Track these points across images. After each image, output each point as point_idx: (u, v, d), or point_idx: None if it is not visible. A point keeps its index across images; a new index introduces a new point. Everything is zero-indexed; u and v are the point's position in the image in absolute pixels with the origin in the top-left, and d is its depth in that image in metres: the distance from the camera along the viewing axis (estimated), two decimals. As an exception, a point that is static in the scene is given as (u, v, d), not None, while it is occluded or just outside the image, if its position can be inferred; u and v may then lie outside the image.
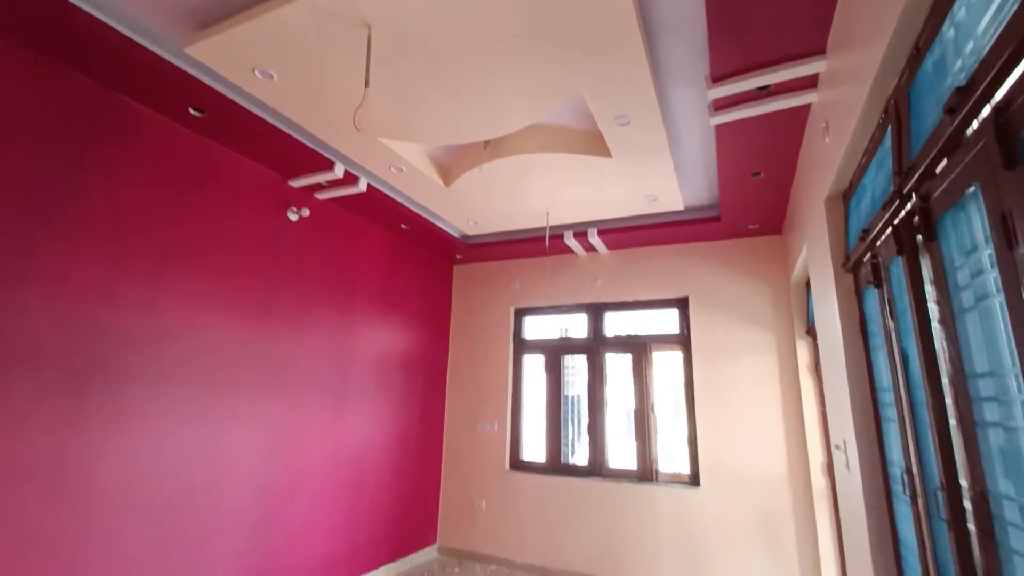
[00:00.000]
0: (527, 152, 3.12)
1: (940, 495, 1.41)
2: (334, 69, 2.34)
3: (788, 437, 3.66)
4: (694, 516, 3.81)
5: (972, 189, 1.15)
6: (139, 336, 2.46)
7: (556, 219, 4.20)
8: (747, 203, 3.47)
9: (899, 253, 1.57)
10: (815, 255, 2.67)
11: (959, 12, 1.14)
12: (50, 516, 2.08)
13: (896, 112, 1.53)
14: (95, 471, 2.24)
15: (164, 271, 2.59)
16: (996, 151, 0.98)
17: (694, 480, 3.94)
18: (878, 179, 1.79)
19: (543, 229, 4.39)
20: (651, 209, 3.96)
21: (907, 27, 1.32)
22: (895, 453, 1.87)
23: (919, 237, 1.45)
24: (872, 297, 1.99)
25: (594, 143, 3.08)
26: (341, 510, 3.59)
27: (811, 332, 3.56)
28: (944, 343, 1.35)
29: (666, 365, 4.33)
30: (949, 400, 1.35)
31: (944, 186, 1.27)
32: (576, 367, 4.77)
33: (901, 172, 1.48)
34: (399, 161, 3.24)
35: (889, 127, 1.61)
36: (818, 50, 2.05)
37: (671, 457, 4.18)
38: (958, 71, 1.16)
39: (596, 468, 4.34)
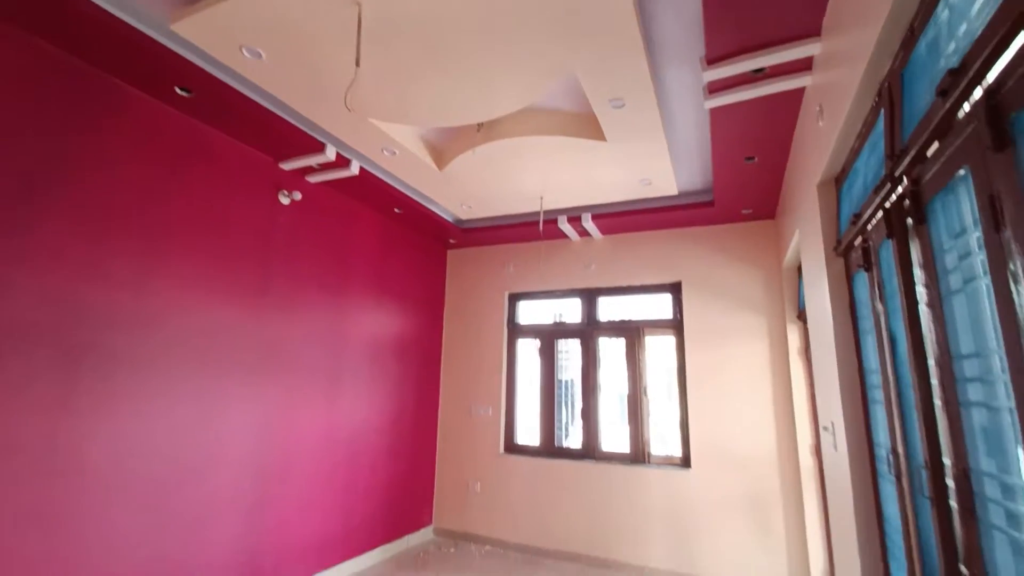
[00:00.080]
0: (521, 135, 3.09)
1: (924, 473, 1.44)
2: (324, 48, 2.30)
3: (777, 419, 3.72)
4: (685, 497, 3.88)
5: (962, 172, 1.16)
6: (130, 316, 2.44)
7: (550, 203, 4.19)
8: (741, 188, 3.47)
9: (889, 236, 1.58)
10: (807, 239, 2.69)
11: (954, -8, 1.14)
12: (43, 494, 2.08)
13: (889, 95, 1.52)
14: (86, 451, 2.24)
15: (155, 252, 2.57)
16: (987, 133, 0.99)
17: (685, 462, 4.01)
18: (870, 163, 1.79)
19: (537, 214, 4.38)
20: (645, 193, 3.95)
21: (902, 9, 1.32)
22: (881, 434, 1.91)
23: (909, 220, 1.46)
24: (862, 281, 2.01)
25: (588, 126, 3.05)
26: (336, 492, 3.63)
27: (802, 316, 3.60)
28: (931, 325, 1.37)
29: (659, 349, 4.37)
30: (935, 381, 1.38)
31: (935, 169, 1.28)
32: (570, 351, 4.80)
33: (893, 155, 1.49)
34: (392, 144, 3.20)
35: (882, 110, 1.61)
36: (813, 32, 2.04)
37: (663, 440, 4.24)
38: (951, 53, 1.16)
39: (589, 451, 4.39)
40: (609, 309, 4.65)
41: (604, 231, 4.48)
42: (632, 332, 4.44)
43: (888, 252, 1.66)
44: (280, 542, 3.15)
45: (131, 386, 2.43)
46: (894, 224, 1.54)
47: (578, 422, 4.55)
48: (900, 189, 1.49)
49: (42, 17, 2.04)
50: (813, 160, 2.37)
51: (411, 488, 4.47)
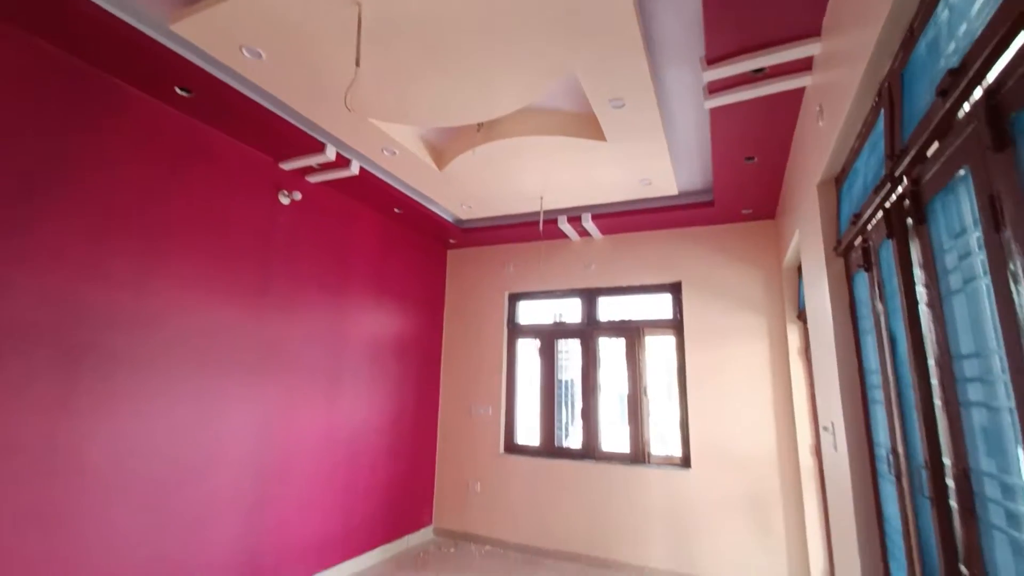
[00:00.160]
0: (521, 135, 3.09)
1: (924, 473, 1.44)
2: (324, 48, 2.30)
3: (777, 419, 3.72)
4: (685, 497, 3.88)
5: (962, 172, 1.16)
6: (130, 316, 2.44)
7: (550, 203, 4.19)
8: (741, 188, 3.47)
9: (889, 236, 1.58)
10: (807, 239, 2.69)
11: (954, -8, 1.14)
12: (42, 494, 2.08)
13: (889, 95, 1.52)
14: (86, 451, 2.24)
15: (155, 252, 2.57)
16: (987, 133, 0.99)
17: (685, 462, 4.00)
18: (870, 163, 1.79)
19: (537, 214, 4.38)
20: (645, 193, 3.95)
21: (902, 8, 1.32)
22: (881, 434, 1.91)
23: (909, 220, 1.46)
24: (862, 281, 2.01)
25: (588, 126, 3.05)
26: (336, 492, 3.62)
27: (802, 316, 3.60)
28: (931, 325, 1.37)
29: (659, 349, 4.37)
30: (935, 381, 1.38)
31: (935, 169, 1.28)
32: (570, 351, 4.80)
33: (893, 155, 1.49)
34: (391, 144, 3.20)
35: (882, 110, 1.61)
36: (813, 32, 2.04)
37: (663, 440, 4.24)
38: (951, 53, 1.16)
39: (589, 451, 4.39)
40: (609, 309, 4.65)
41: (604, 231, 4.48)
42: (632, 332, 4.44)
43: (888, 252, 1.66)
44: (280, 542, 3.15)
45: (131, 386, 2.43)
46: (894, 224, 1.54)
47: (578, 422, 4.55)
48: (900, 189, 1.49)
49: (42, 17, 2.04)
50: (813, 160, 2.37)
51: (411, 488, 4.47)
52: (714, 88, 2.39)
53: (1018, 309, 0.94)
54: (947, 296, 1.30)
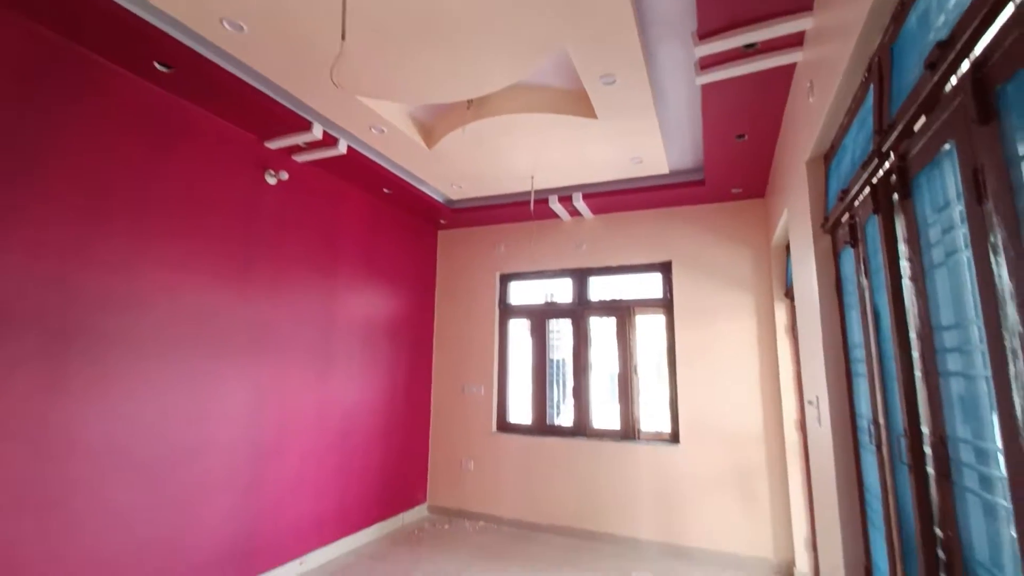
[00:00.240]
0: (511, 112, 3.06)
1: (903, 441, 1.49)
2: (308, 21, 2.24)
3: (764, 395, 3.80)
4: (673, 471, 3.98)
5: (947, 147, 1.17)
6: (118, 298, 2.41)
7: (541, 183, 4.17)
8: (731, 166, 3.48)
9: (875, 212, 1.60)
10: (795, 217, 2.71)
11: (945, -37, 1.13)
12: (36, 477, 2.09)
13: (879, 70, 1.53)
14: (78, 432, 2.24)
15: (141, 234, 2.53)
16: (972, 106, 1.00)
17: (674, 437, 4.09)
18: (858, 139, 1.80)
19: (528, 193, 4.35)
20: (636, 172, 3.94)
21: (894, -20, 1.31)
22: (863, 406, 1.96)
23: (895, 196, 1.48)
24: (848, 257, 2.04)
25: (579, 103, 3.02)
26: (330, 472, 3.66)
27: (789, 294, 3.65)
28: (914, 298, 1.40)
29: (649, 328, 4.42)
30: (916, 353, 1.42)
31: (921, 144, 1.29)
32: (561, 331, 4.84)
33: (881, 130, 1.50)
34: (380, 122, 3.15)
35: (872, 86, 1.62)
36: (805, 6, 2.02)
37: (653, 416, 4.32)
38: (941, 26, 1.16)
39: (580, 428, 4.47)
40: (600, 289, 4.67)
41: (595, 210, 4.47)
42: (623, 311, 4.48)
43: (874, 228, 1.68)
44: (275, 520, 3.19)
45: (122, 368, 2.42)
46: (880, 200, 1.56)
47: (569, 400, 4.61)
48: (887, 165, 1.50)
49: (11, -13, 1.96)
50: (803, 137, 2.37)
51: (405, 466, 4.53)
52: (706, 64, 2.38)
53: (997, 280, 0.96)
54: (929, 270, 1.33)
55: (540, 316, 4.84)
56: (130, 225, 2.49)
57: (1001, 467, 1.02)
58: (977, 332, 1.11)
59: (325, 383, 3.67)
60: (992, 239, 0.97)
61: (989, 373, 1.02)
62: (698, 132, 3.30)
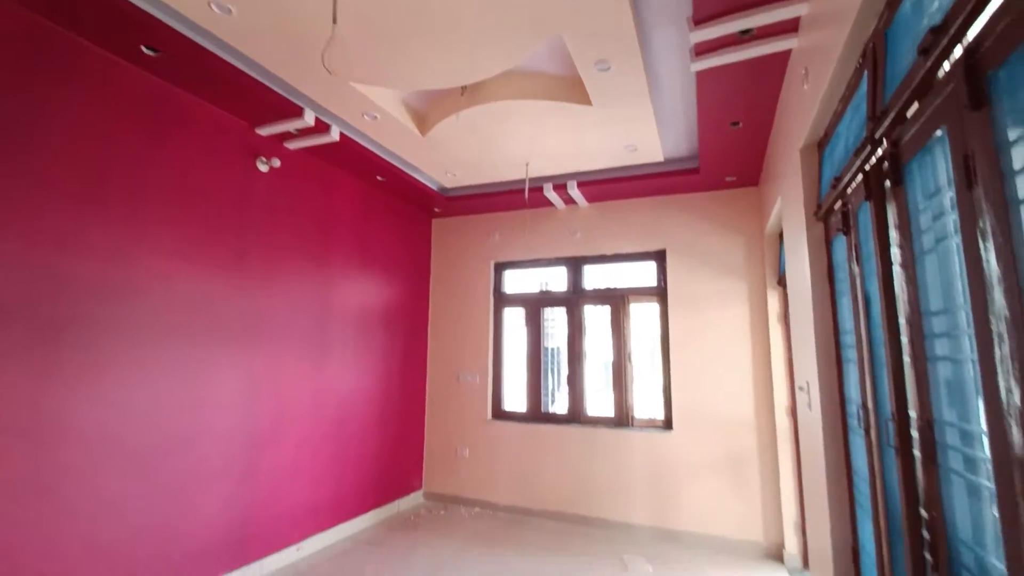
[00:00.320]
0: (506, 99, 3.03)
1: (891, 425, 1.52)
2: (298, 3, 2.20)
3: (756, 383, 3.85)
4: (666, 457, 4.03)
5: (939, 133, 1.17)
6: (110, 287, 2.39)
7: (535, 171, 4.15)
8: (726, 154, 3.48)
9: (867, 199, 1.61)
10: (789, 205, 2.72)
11: (941, -53, 1.13)
12: (29, 465, 2.08)
13: (873, 56, 1.52)
14: (71, 421, 2.23)
15: (131, 221, 2.50)
16: (964, 92, 1.00)
17: (667, 424, 4.14)
18: (852, 126, 1.80)
19: (522, 181, 4.34)
20: (631, 160, 3.93)
21: (889, -36, 1.30)
22: (853, 391, 1.99)
23: (887, 183, 1.49)
24: (840, 244, 2.05)
25: (574, 90, 3.00)
26: (326, 459, 3.68)
27: (782, 282, 3.68)
28: (904, 284, 1.42)
29: (643, 316, 4.44)
30: (905, 339, 1.44)
31: (913, 130, 1.29)
32: (556, 320, 4.86)
33: (874, 116, 1.50)
34: (373, 108, 3.11)
35: (866, 72, 1.61)
36: (801, -9, 2.01)
37: (646, 404, 4.36)
38: (935, 11, 1.16)
39: (575, 416, 4.51)
40: (594, 277, 4.68)
41: (590, 199, 4.46)
42: (617, 300, 4.49)
43: (866, 215, 1.69)
44: (271, 507, 3.21)
45: (115, 356, 2.40)
46: (872, 186, 1.57)
47: (564, 388, 4.65)
48: (880, 151, 1.51)
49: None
50: (797, 124, 2.37)
51: (401, 454, 4.56)
52: (701, 50, 2.36)
53: (985, 265, 0.97)
54: (920, 256, 1.34)
55: (535, 304, 4.84)
56: (125, 213, 2.46)
57: (985, 449, 1.04)
58: (965, 317, 1.12)
59: (320, 371, 3.67)
60: (981, 224, 0.98)
61: (975, 357, 1.04)
62: (693, 120, 3.29)
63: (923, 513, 1.37)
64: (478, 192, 4.58)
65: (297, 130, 3.20)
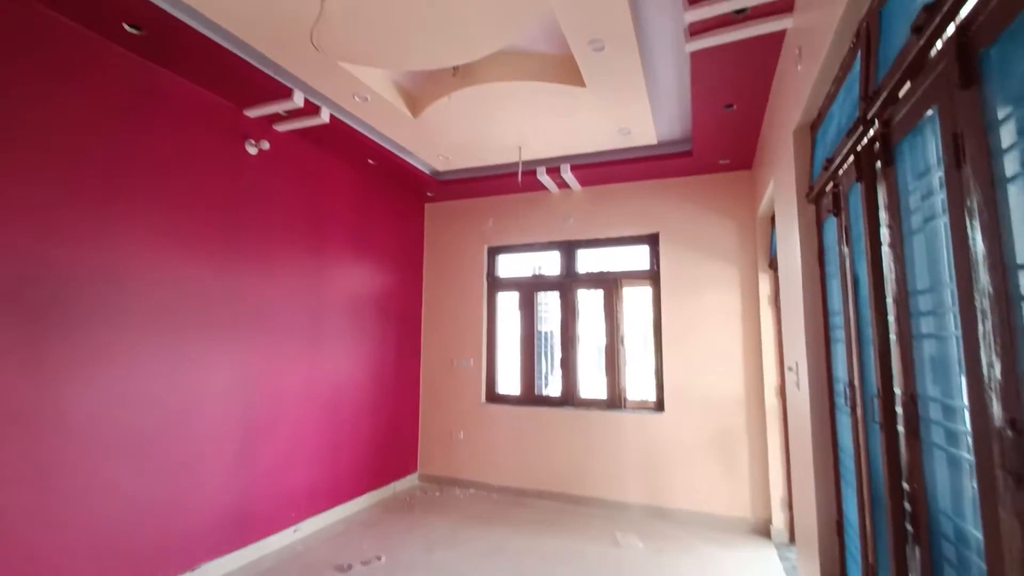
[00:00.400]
0: (499, 80, 2.99)
1: (876, 402, 1.55)
2: (286, -19, 2.14)
3: (746, 364, 3.90)
4: (658, 437, 4.10)
5: (930, 112, 1.18)
6: (94, 272, 2.36)
7: (529, 154, 4.12)
8: (719, 136, 3.47)
9: (858, 180, 1.62)
10: (781, 188, 2.73)
11: (936, -77, 1.12)
12: (18, 452, 2.07)
13: (867, 35, 1.52)
14: (61, 405, 2.22)
15: (115, 205, 2.46)
16: (955, 70, 1.01)
17: (659, 406, 4.20)
18: (845, 107, 1.81)
19: (515, 165, 4.31)
20: (624, 143, 3.91)
21: (885, -59, 1.29)
22: (840, 370, 2.03)
23: (878, 163, 1.50)
24: (831, 226, 2.07)
25: (568, 71, 2.97)
26: (321, 443, 3.71)
27: (773, 265, 3.71)
28: (892, 264, 1.44)
29: (636, 300, 4.47)
30: (891, 317, 1.46)
31: (905, 110, 1.30)
32: (549, 304, 4.88)
33: (866, 96, 1.50)
34: (363, 89, 3.06)
35: (859, 52, 1.61)
36: (797, -31, 1.99)
37: (639, 386, 4.41)
38: (929, -11, 1.16)
39: (568, 398, 4.56)
40: (588, 261, 4.70)
41: (583, 182, 4.45)
42: (610, 283, 4.51)
43: (856, 196, 1.70)
44: (269, 491, 3.23)
45: (103, 341, 2.38)
46: (863, 167, 1.58)
47: (557, 371, 4.69)
48: (871, 132, 1.51)
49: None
50: (790, 106, 2.37)
51: (396, 437, 4.59)
52: (695, 30, 2.34)
53: (971, 243, 0.99)
54: (908, 236, 1.36)
55: (528, 289, 4.86)
56: (107, 197, 2.42)
57: (966, 422, 1.07)
58: (950, 295, 1.14)
59: (314, 356, 3.67)
60: (968, 203, 0.99)
61: (959, 334, 1.06)
62: (686, 102, 3.28)
63: (905, 486, 1.41)
64: (471, 176, 4.55)
65: (286, 112, 3.15)
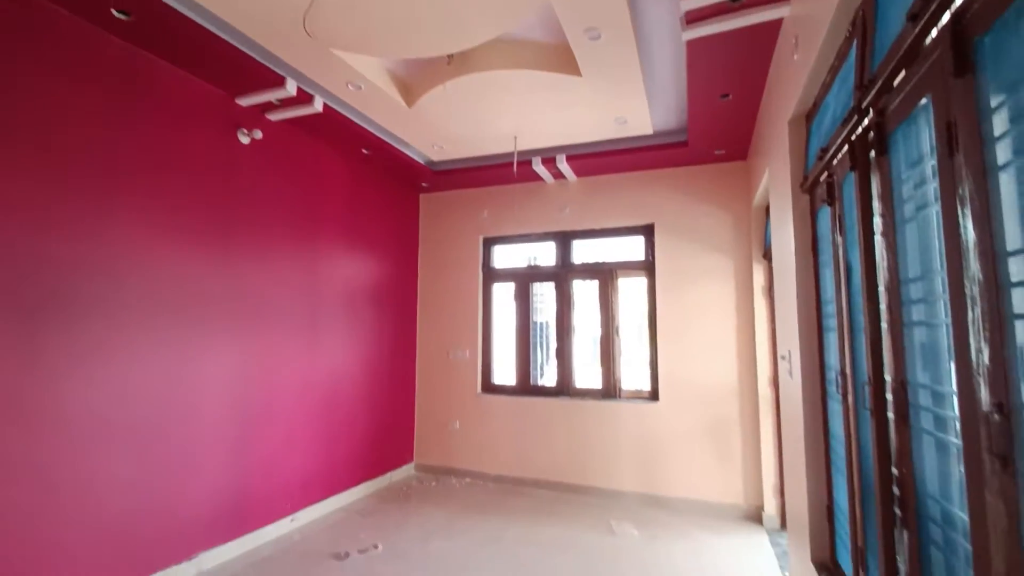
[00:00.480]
0: (494, 68, 2.97)
1: (867, 389, 1.57)
2: (278, -33, 2.11)
3: (740, 354, 3.94)
4: (653, 426, 4.14)
5: (924, 101, 1.19)
6: (90, 265, 2.35)
7: (524, 144, 4.10)
8: (715, 127, 3.47)
9: (852, 169, 1.63)
10: (776, 178, 2.74)
11: (933, -90, 1.12)
12: (14, 446, 2.06)
13: (863, 24, 1.52)
14: (58, 400, 2.21)
15: (108, 197, 2.43)
16: (950, 59, 1.01)
17: (654, 395, 4.23)
18: (840, 97, 1.81)
19: (511, 155, 4.29)
20: (620, 134, 3.90)
21: (882, -72, 1.29)
22: (832, 358, 2.05)
23: (872, 153, 1.50)
24: (825, 216, 2.08)
25: (564, 60, 2.95)
26: (318, 434, 3.72)
27: (767, 256, 3.73)
28: (884, 253, 1.45)
29: (631, 290, 4.49)
30: (883, 305, 1.48)
31: (899, 99, 1.30)
32: (545, 294, 4.89)
33: (862, 86, 1.51)
34: (357, 77, 3.03)
35: (855, 40, 1.61)
36: (794, -43, 1.98)
37: (633, 376, 4.45)
38: (925, -24, 1.16)
39: (564, 388, 4.58)
40: (583, 252, 4.70)
41: (579, 173, 4.44)
42: (606, 274, 4.52)
43: (850, 186, 1.71)
44: (266, 481, 3.24)
45: (100, 335, 2.37)
46: (858, 157, 1.59)
47: (553, 362, 4.71)
48: (866, 121, 1.52)
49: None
50: (786, 96, 2.37)
51: (392, 428, 4.61)
52: (692, 19, 2.33)
53: (962, 231, 1.00)
54: (900, 225, 1.37)
55: (524, 280, 4.86)
56: (97, 188, 2.39)
57: (955, 408, 1.09)
58: (941, 283, 1.16)
59: (310, 348, 3.67)
60: (960, 191, 1.00)
61: (950, 321, 1.08)
62: (683, 92, 3.27)
63: (894, 471, 1.44)
64: (466, 166, 4.52)
65: (279, 100, 3.11)
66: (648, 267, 4.37)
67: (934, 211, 1.19)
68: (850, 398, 1.78)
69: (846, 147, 1.69)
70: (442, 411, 4.89)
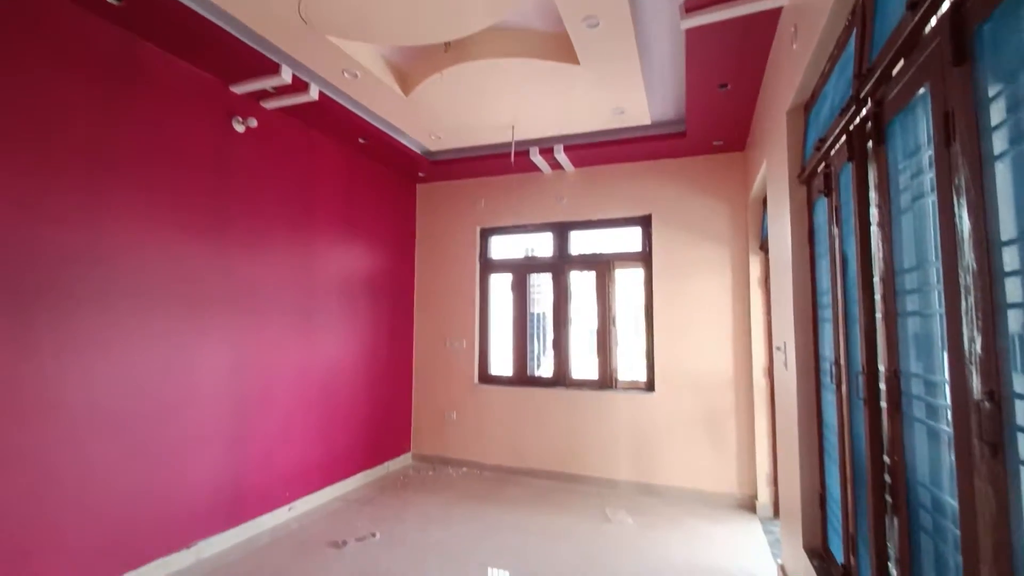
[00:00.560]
0: (492, 56, 2.94)
1: (860, 378, 1.59)
2: (271, -49, 2.08)
3: (736, 345, 3.96)
4: (649, 417, 4.17)
5: (922, 91, 1.18)
6: (84, 255, 2.33)
7: (522, 134, 4.08)
8: (713, 117, 3.45)
9: (850, 159, 1.63)
10: (774, 169, 2.74)
11: None
12: (10, 436, 2.06)
13: (862, 12, 1.51)
14: (53, 390, 2.20)
15: (102, 186, 2.41)
16: (949, 48, 1.01)
17: (650, 386, 4.26)
18: (839, 86, 1.80)
19: (508, 145, 4.27)
20: (618, 124, 3.88)
21: (883, -85, 1.27)
22: (827, 348, 2.07)
23: (869, 143, 1.50)
24: (822, 207, 2.09)
25: (561, 48, 2.93)
26: (315, 423, 3.73)
27: (764, 247, 3.74)
28: (880, 243, 1.45)
29: (628, 281, 4.49)
30: (878, 296, 1.49)
31: (897, 89, 1.30)
32: (542, 285, 4.89)
33: (860, 75, 1.50)
34: (353, 65, 3.00)
35: (854, 30, 1.60)
36: (794, -55, 1.96)
37: (630, 366, 4.47)
38: (926, -36, 1.15)
39: (560, 379, 4.60)
40: (580, 243, 4.70)
41: (576, 163, 4.42)
42: (603, 265, 4.53)
43: (847, 176, 1.71)
44: (263, 471, 3.26)
45: (95, 326, 2.36)
46: (855, 147, 1.59)
47: (550, 352, 4.72)
48: (864, 111, 1.51)
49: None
50: (785, 86, 2.36)
51: (389, 418, 4.63)
52: (691, 7, 2.31)
53: (957, 221, 1.00)
54: (896, 215, 1.37)
55: (521, 270, 4.86)
56: (90, 176, 2.36)
57: (947, 396, 1.10)
58: (935, 273, 1.16)
59: (307, 338, 3.67)
60: (956, 181, 1.00)
61: (943, 311, 1.08)
62: (681, 82, 3.25)
63: (886, 459, 1.46)
64: (463, 156, 4.50)
65: (274, 88, 3.08)
66: (645, 258, 4.38)
67: (930, 201, 1.19)
68: (844, 388, 1.80)
69: (844, 137, 1.69)
70: (439, 401, 4.91)
